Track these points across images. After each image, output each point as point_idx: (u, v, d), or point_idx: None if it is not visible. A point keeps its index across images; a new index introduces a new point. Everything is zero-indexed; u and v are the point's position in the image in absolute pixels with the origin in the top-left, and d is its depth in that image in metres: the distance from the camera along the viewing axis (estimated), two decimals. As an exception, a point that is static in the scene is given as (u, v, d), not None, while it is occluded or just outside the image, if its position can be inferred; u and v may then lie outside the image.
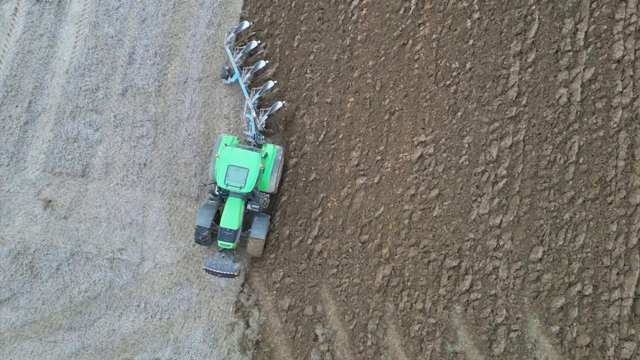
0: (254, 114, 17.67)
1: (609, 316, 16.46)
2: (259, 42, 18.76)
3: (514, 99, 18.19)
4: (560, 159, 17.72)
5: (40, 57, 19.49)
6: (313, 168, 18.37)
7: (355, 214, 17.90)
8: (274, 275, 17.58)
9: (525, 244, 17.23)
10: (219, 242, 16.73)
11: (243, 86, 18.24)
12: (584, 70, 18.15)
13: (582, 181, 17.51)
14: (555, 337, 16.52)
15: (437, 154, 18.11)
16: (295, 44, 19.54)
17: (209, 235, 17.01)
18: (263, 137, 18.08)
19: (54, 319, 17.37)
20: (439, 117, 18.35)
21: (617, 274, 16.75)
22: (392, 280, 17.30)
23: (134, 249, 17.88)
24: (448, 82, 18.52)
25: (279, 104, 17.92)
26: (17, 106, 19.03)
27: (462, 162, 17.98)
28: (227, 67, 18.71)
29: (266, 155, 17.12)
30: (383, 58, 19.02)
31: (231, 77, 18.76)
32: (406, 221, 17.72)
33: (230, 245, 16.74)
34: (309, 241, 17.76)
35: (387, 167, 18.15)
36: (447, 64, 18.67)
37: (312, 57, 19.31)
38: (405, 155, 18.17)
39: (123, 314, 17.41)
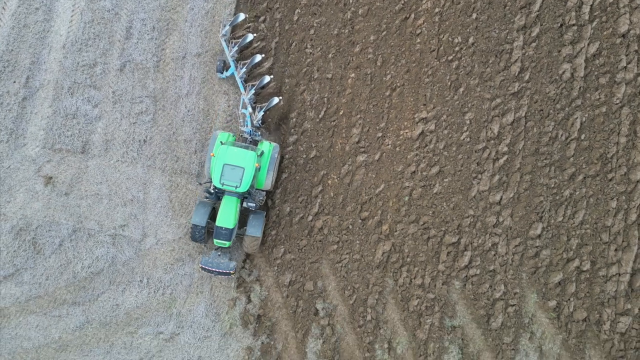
0: (250, 109, 17.35)
1: (606, 291, 16.68)
2: (255, 35, 18.28)
3: (516, 74, 17.99)
4: (561, 135, 17.65)
5: (36, 31, 19.19)
6: (313, 145, 18.30)
7: (355, 191, 17.94)
8: (275, 252, 17.74)
9: (525, 221, 17.32)
10: (215, 240, 16.70)
11: (239, 81, 17.84)
12: (588, 45, 17.89)
13: (583, 158, 17.48)
14: (552, 311, 16.77)
15: (438, 130, 18.02)
16: (295, 17, 19.19)
17: (205, 233, 16.98)
18: (259, 133, 17.80)
19: (58, 294, 17.61)
20: (441, 93, 18.19)
21: (616, 250, 16.90)
22: (392, 256, 17.46)
23: (135, 226, 17.99)
24: (450, 58, 18.28)
25: (276, 100, 17.55)
26: (14, 82, 18.84)
27: (463, 139, 17.92)
28: (222, 61, 18.29)
29: (262, 153, 16.91)
30: (384, 32, 18.73)
31: (227, 70, 18.33)
32: (406, 198, 17.77)
33: (227, 243, 16.72)
34: (310, 218, 17.85)
35: (388, 144, 18.09)
36: (450, 39, 18.40)
37: (312, 31, 19.00)
38: (406, 132, 18.09)
39: (126, 289, 17.64)
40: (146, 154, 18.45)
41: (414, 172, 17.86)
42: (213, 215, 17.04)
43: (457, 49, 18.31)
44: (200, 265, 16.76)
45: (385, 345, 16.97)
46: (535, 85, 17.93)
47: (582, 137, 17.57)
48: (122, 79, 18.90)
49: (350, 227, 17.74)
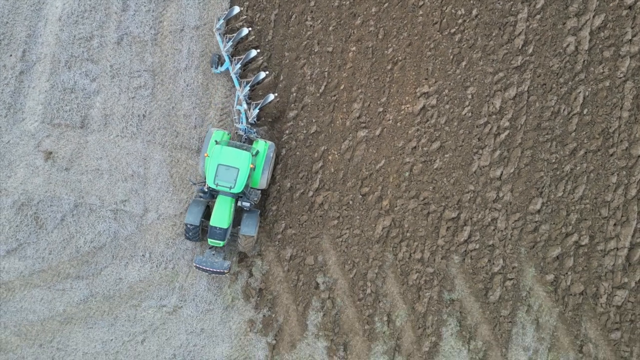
0: (245, 106, 16.91)
1: (604, 265, 16.87)
2: (250, 29, 17.69)
3: (520, 47, 17.73)
4: (564, 110, 17.52)
5: (31, 3, 18.80)
6: (314, 120, 18.17)
7: (356, 166, 17.91)
8: (276, 227, 17.83)
9: (525, 196, 17.36)
10: (209, 240, 16.58)
11: (234, 77, 17.33)
12: (593, 17, 17.58)
13: (584, 132, 17.40)
14: (550, 285, 17.00)
15: (440, 105, 17.86)
16: (295, -12, 18.77)
17: (200, 231, 16.86)
18: (255, 130, 17.39)
19: (62, 268, 17.80)
20: (443, 67, 17.95)
21: (614, 224, 17.01)
22: (392, 231, 17.57)
23: (136, 201, 18.03)
24: (453, 30, 17.97)
25: (271, 97, 17.12)
26: (11, 55, 18.58)
27: (465, 114, 17.79)
28: (217, 55, 17.72)
29: (257, 152, 16.63)
30: (386, 4, 18.35)
31: (221, 65, 17.80)
32: (407, 174, 17.76)
33: (221, 243, 16.61)
34: (310, 193, 17.88)
35: (389, 119, 17.96)
36: (453, 11, 18.05)
37: (312, 3, 18.59)
38: (408, 107, 17.94)
39: (129, 263, 17.82)
40: (146, 129, 18.35)
41: (415, 147, 17.79)
42: (207, 214, 16.87)
43: (460, 21, 17.98)
44: (195, 264, 16.74)
45: (385, 318, 17.25)
46: (538, 59, 17.69)
47: (585, 111, 17.44)
48: (119, 53, 18.63)
49: (351, 202, 17.79)
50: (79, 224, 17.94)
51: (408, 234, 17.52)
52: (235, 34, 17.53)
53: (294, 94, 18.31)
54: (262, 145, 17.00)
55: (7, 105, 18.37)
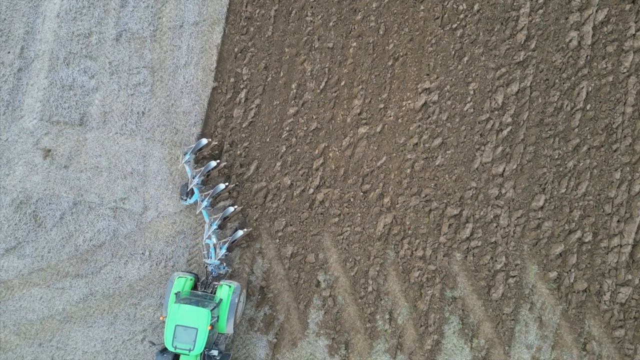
0: (214, 240, 16.42)
1: (607, 262, 16.73)
2: (218, 161, 17.16)
3: (522, 42, 17.56)
4: (567, 105, 17.36)
5: (29, -1, 18.70)
6: (314, 117, 18.03)
7: (357, 163, 17.77)
8: (277, 224, 17.71)
9: (528, 192, 17.22)
10: None
11: (203, 211, 16.77)
12: (596, 11, 17.41)
13: (588, 128, 17.25)
14: (553, 282, 16.86)
15: (442, 101, 17.71)
16: (295, -16, 18.61)
17: None
18: (224, 265, 16.89)
19: (61, 267, 17.71)
20: (445, 63, 17.80)
21: (618, 221, 16.87)
22: (393, 229, 17.44)
23: (136, 199, 17.92)
24: (455, 26, 17.81)
25: (240, 232, 16.66)
26: (9, 52, 18.46)
27: (467, 110, 17.63)
28: (186, 185, 17.19)
29: (220, 301, 16.04)
30: (387, -1, 18.21)
31: (190, 197, 17.21)
32: (408, 170, 17.62)
33: None
34: (311, 191, 17.75)
35: (390, 116, 17.82)
36: (454, 6, 17.88)
37: (312, -2, 18.46)
38: (409, 103, 17.78)
39: (128, 261, 17.72)
40: (145, 126, 18.22)
41: (416, 144, 17.65)
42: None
43: (461, 16, 17.82)
44: None
45: (387, 316, 17.13)
46: (541, 54, 17.52)
47: (588, 107, 17.29)
48: (118, 49, 18.49)
49: (352, 199, 17.66)
50: (78, 222, 17.83)
51: (410, 232, 17.39)
52: (202, 168, 16.87)
53: (294, 91, 18.17)
54: (226, 292, 16.24)
55: (5, 103, 18.25)
